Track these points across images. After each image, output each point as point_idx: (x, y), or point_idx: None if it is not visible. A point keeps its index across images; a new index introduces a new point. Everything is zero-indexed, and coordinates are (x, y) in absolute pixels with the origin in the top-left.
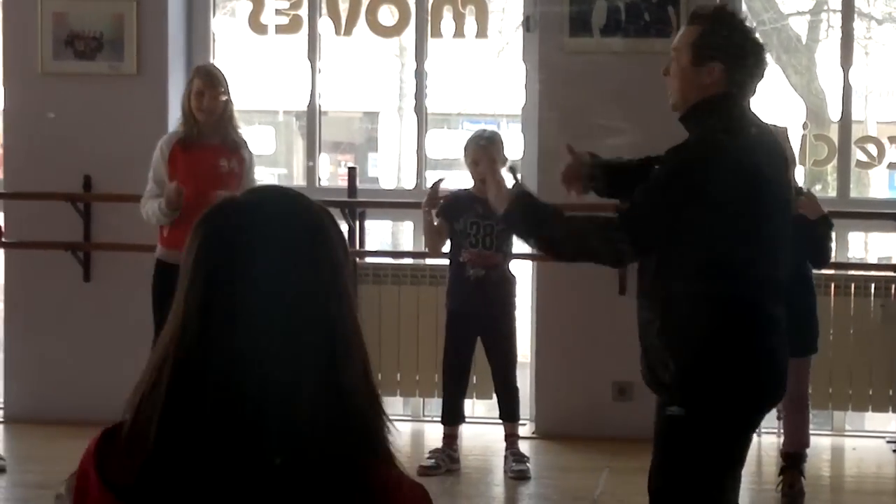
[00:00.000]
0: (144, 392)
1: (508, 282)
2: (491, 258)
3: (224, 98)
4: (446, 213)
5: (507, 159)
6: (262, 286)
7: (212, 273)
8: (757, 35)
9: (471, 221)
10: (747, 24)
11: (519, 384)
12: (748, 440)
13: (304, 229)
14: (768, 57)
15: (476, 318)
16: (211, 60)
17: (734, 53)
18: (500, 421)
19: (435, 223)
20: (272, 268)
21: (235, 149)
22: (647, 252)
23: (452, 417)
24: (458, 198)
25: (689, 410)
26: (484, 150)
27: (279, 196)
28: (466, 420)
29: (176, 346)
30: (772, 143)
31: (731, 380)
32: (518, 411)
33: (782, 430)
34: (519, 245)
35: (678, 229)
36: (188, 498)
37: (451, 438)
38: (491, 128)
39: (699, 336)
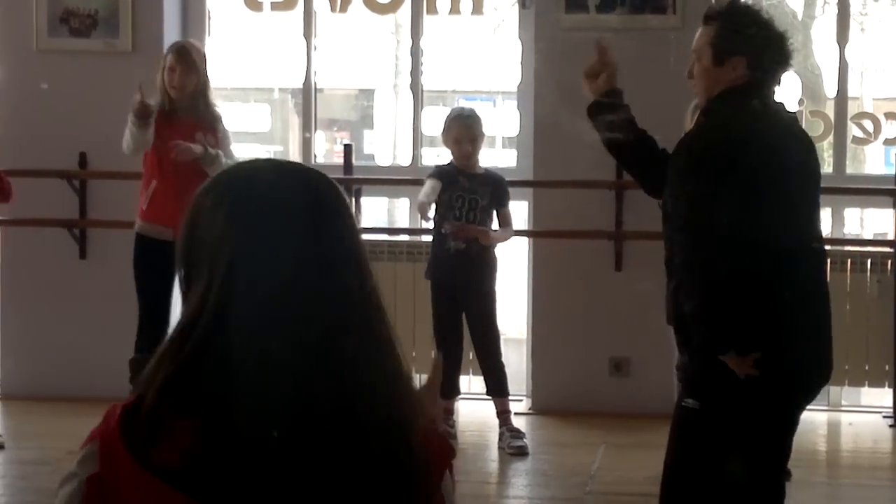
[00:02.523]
0: (168, 372)
1: (488, 257)
2: (472, 231)
3: (195, 75)
4: (439, 177)
5: (484, 136)
6: (279, 257)
7: (230, 248)
8: (776, 24)
9: (456, 195)
10: (764, 14)
11: (517, 360)
12: (790, 426)
13: (317, 203)
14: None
15: (457, 291)
16: (206, 37)
17: (754, 46)
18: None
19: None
20: (288, 239)
21: (209, 125)
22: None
23: (447, 390)
24: (446, 171)
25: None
26: (468, 129)
27: (286, 167)
28: (462, 395)
29: (196, 324)
30: (796, 125)
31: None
32: (506, 386)
33: None
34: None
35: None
36: (237, 480)
37: (447, 413)
38: (475, 107)
39: (733, 317)
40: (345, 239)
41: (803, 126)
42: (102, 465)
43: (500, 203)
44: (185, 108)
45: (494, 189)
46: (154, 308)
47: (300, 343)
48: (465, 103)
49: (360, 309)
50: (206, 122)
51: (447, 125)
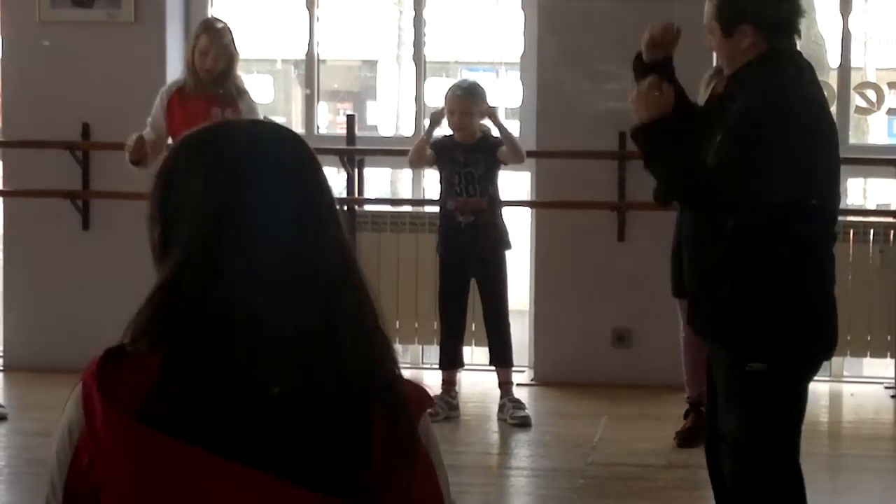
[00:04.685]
0: (150, 317)
1: (498, 226)
2: (478, 204)
3: (226, 55)
4: (437, 151)
5: (487, 108)
6: (265, 213)
7: (215, 203)
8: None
9: (454, 171)
10: None
11: (517, 332)
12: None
13: (298, 156)
14: None
15: (469, 262)
16: (209, 8)
17: (755, 10)
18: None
19: (427, 151)
20: (274, 195)
21: (232, 99)
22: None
23: (450, 362)
24: (443, 145)
25: (770, 364)
26: (460, 100)
27: (264, 126)
28: (465, 366)
29: (181, 274)
30: (818, 83)
31: (810, 325)
32: (511, 357)
33: None
34: (504, 193)
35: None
36: (195, 418)
37: (449, 384)
38: (478, 78)
39: (775, 279)
40: (325, 192)
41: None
42: (86, 411)
43: (493, 153)
44: (210, 83)
45: (486, 155)
46: None
47: (292, 293)
48: (467, 74)
49: (343, 260)
50: (226, 97)
51: (445, 96)
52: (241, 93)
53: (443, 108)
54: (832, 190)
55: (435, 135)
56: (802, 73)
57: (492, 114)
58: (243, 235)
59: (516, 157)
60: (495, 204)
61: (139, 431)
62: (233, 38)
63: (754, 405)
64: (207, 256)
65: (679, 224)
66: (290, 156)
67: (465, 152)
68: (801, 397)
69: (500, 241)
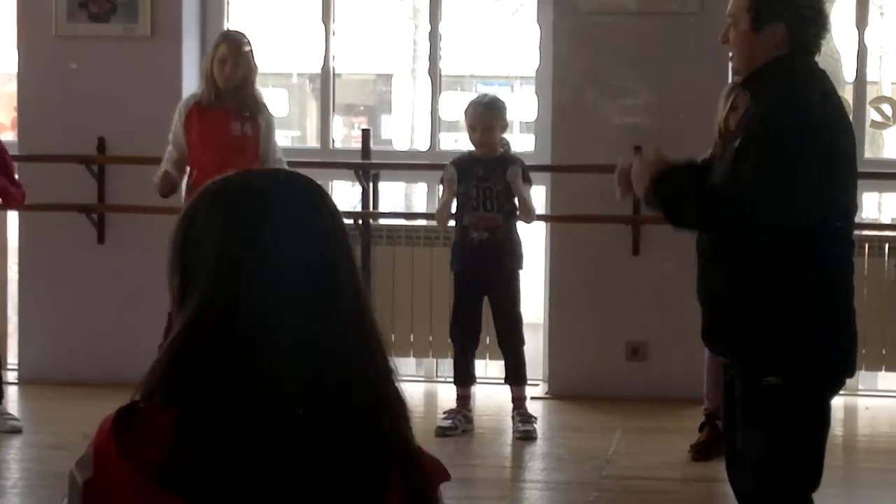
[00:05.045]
0: (163, 373)
1: (513, 243)
2: (493, 220)
3: (245, 66)
4: (458, 170)
5: (507, 125)
6: (281, 262)
7: (231, 252)
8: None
9: (472, 185)
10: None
11: (531, 345)
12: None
13: (315, 205)
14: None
15: (482, 279)
16: (225, 22)
17: (795, 10)
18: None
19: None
20: (290, 244)
21: (251, 113)
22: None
23: (464, 378)
24: (462, 160)
25: (786, 378)
26: (481, 116)
27: (282, 175)
28: (478, 381)
29: (197, 326)
30: (836, 92)
31: (830, 341)
32: (525, 374)
33: None
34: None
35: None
36: (220, 478)
37: (464, 399)
38: (493, 92)
39: (798, 298)
40: (341, 240)
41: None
42: (95, 469)
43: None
44: (229, 96)
45: (505, 169)
46: None
47: (307, 342)
48: (483, 88)
49: (358, 308)
50: (245, 111)
51: (465, 111)
52: (261, 107)
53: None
54: (853, 212)
55: (454, 150)
56: (818, 85)
57: (515, 183)
58: (259, 286)
59: (527, 217)
60: (511, 221)
61: (160, 495)
62: (252, 50)
63: (772, 422)
64: (223, 306)
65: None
66: (307, 204)
67: (486, 167)
68: (820, 416)
69: (513, 259)
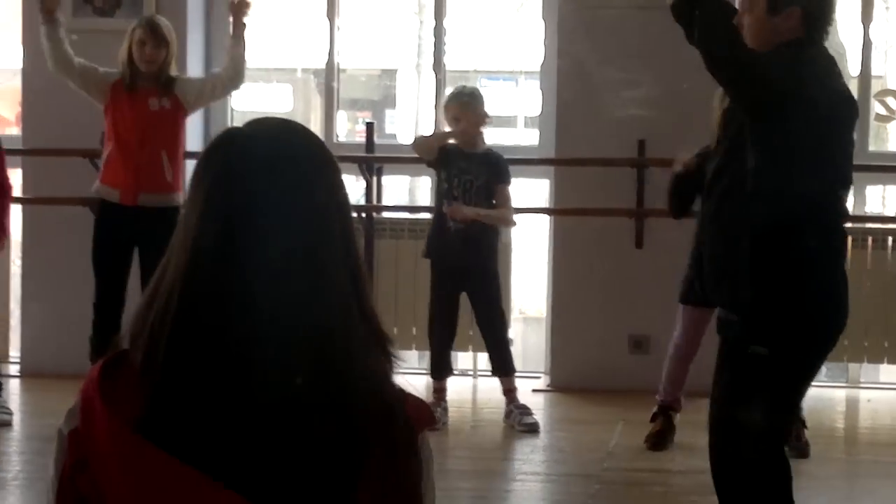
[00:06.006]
0: (152, 321)
1: (489, 236)
2: (460, 211)
3: (165, 49)
4: (441, 153)
5: (487, 115)
6: (275, 215)
7: (224, 204)
8: None
9: (453, 175)
10: None
11: (537, 337)
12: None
13: (313, 160)
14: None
15: (457, 271)
16: (230, 17)
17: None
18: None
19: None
20: (285, 197)
21: (167, 88)
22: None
23: (441, 371)
24: (448, 149)
25: (771, 348)
26: (461, 108)
27: (283, 127)
28: (478, 374)
29: (186, 276)
30: (844, 84)
31: (820, 316)
32: (512, 365)
33: None
34: (522, 200)
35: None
36: (198, 426)
37: (439, 392)
38: (496, 86)
39: (796, 271)
40: (332, 190)
41: None
42: (82, 420)
43: (497, 180)
44: (146, 78)
45: (490, 168)
46: (108, 282)
47: (295, 299)
48: (487, 82)
49: (349, 270)
50: (163, 87)
51: (445, 104)
52: (174, 80)
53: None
54: (850, 182)
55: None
56: (824, 63)
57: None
58: (249, 238)
59: (506, 225)
60: (493, 219)
61: (137, 443)
62: (173, 34)
63: (753, 392)
64: (209, 260)
65: (701, 230)
66: (303, 162)
67: (468, 160)
68: (799, 386)
69: (490, 251)
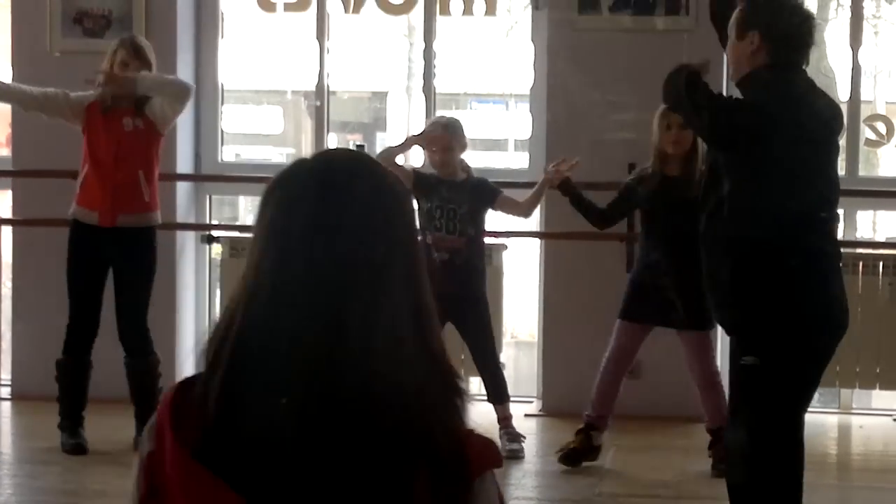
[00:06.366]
0: (215, 349)
1: (475, 265)
2: (454, 242)
3: (147, 70)
4: (421, 183)
5: (466, 145)
6: (338, 247)
7: (286, 233)
8: (800, 5)
9: (435, 205)
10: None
11: (528, 362)
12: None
13: (380, 190)
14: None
15: (442, 300)
16: (220, 39)
17: (768, 21)
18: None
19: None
20: (348, 228)
21: (140, 108)
22: (720, 137)
23: None
24: (429, 179)
25: (762, 359)
26: (440, 137)
27: (351, 158)
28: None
29: (246, 305)
30: (823, 107)
31: (804, 328)
32: (506, 392)
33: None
34: (513, 224)
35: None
36: (255, 456)
37: None
38: (486, 109)
39: (779, 286)
40: (403, 228)
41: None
42: (156, 443)
43: (489, 200)
44: (121, 98)
45: (474, 193)
46: (83, 304)
47: (320, 323)
48: (477, 106)
49: (411, 302)
50: (137, 108)
51: (423, 132)
52: (142, 99)
53: (423, 134)
54: (835, 206)
55: (421, 168)
56: (802, 85)
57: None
58: (309, 265)
59: (526, 213)
60: (475, 245)
61: (194, 469)
62: (152, 56)
63: (749, 403)
64: (253, 282)
65: (645, 250)
66: (368, 195)
67: (450, 189)
68: (793, 396)
69: (477, 278)
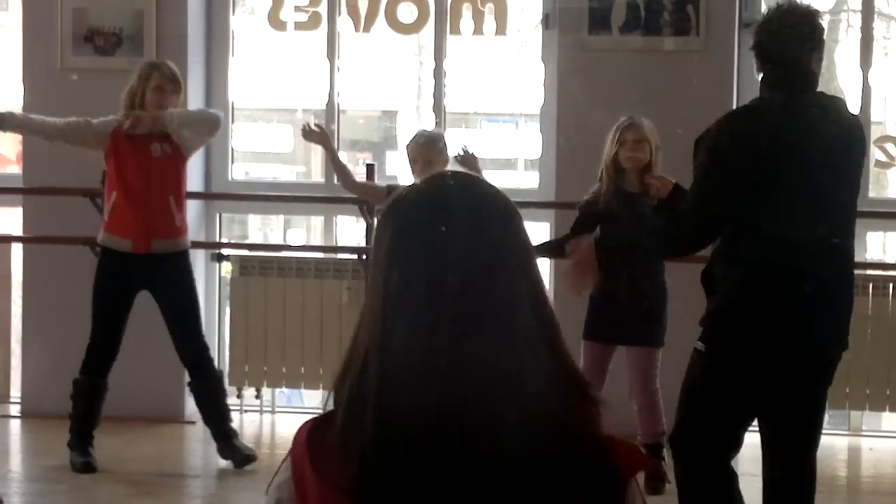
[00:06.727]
0: (350, 384)
1: None
2: None
3: (177, 97)
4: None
5: (447, 160)
6: (462, 264)
7: (406, 256)
8: (796, 7)
9: None
10: (780, 25)
11: None
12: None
13: (497, 208)
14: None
15: None
16: (230, 57)
17: (756, 39)
18: None
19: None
20: (468, 252)
21: (167, 134)
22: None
23: None
24: None
25: (707, 347)
26: (422, 151)
27: (464, 179)
28: None
29: (381, 335)
30: (816, 117)
31: (742, 329)
32: None
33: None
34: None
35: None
36: (412, 492)
37: None
38: (496, 129)
39: (723, 291)
40: (520, 250)
41: None
42: (297, 490)
43: None
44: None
45: None
46: (108, 328)
47: (454, 352)
48: (487, 125)
49: (537, 315)
50: (163, 133)
51: (406, 146)
52: (174, 124)
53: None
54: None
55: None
56: (762, 104)
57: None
58: (405, 292)
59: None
60: None
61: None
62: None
63: (689, 383)
64: (380, 316)
65: (618, 272)
66: (485, 217)
67: None
68: (731, 389)
69: None
